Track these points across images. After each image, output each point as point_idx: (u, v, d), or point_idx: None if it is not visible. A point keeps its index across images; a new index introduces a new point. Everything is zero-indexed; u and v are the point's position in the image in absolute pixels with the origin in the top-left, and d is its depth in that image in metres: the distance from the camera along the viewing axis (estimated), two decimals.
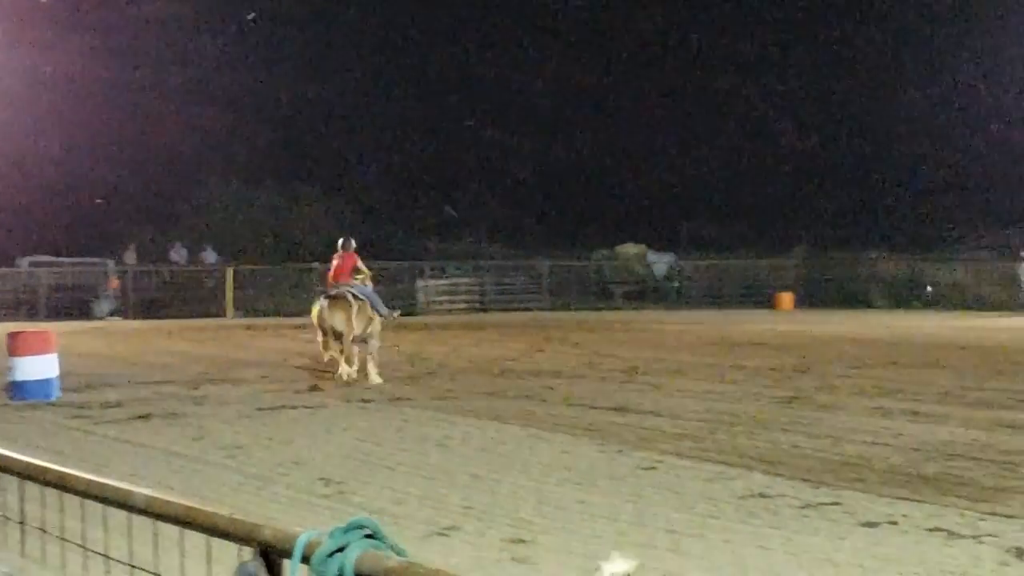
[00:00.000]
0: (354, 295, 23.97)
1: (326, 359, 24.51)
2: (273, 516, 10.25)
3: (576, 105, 77.29)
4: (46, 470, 4.18)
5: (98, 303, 46.88)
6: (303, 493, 12.14)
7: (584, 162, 72.50)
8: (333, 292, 24.17)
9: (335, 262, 25.27)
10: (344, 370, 23.40)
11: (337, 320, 23.63)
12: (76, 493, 4.00)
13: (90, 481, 3.87)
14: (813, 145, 74.50)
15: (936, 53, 71.01)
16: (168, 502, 3.57)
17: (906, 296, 51.47)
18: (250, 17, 64.09)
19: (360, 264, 25.28)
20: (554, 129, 74.77)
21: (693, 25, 78.87)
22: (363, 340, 23.85)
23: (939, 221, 62.92)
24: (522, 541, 9.97)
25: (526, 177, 72.49)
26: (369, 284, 25.25)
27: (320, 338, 24.22)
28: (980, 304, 48.28)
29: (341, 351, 23.64)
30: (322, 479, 12.78)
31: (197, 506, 3.49)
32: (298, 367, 25.93)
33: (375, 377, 23.00)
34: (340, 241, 25.67)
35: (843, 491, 11.91)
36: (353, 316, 23.56)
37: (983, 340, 32.51)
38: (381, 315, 24.68)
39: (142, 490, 3.65)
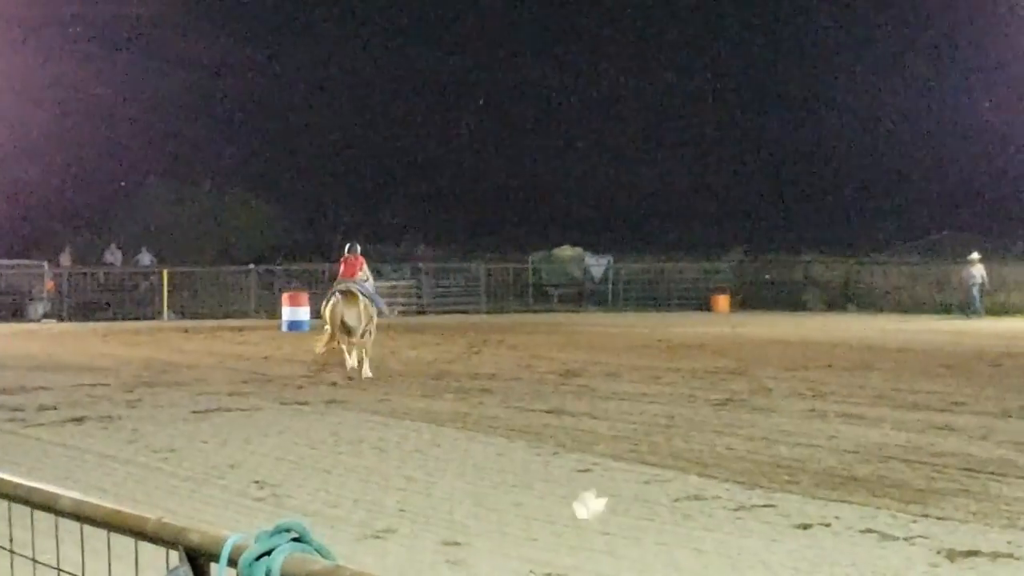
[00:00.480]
0: (361, 292, 25.18)
1: (320, 350, 25.52)
2: (207, 519, 10.20)
3: (514, 109, 77.37)
4: None
5: (33, 305, 46.50)
6: (237, 496, 12.09)
7: (522, 165, 72.59)
8: (343, 287, 25.26)
9: (342, 266, 26.49)
10: (351, 362, 24.50)
11: (351, 315, 24.58)
12: (3, 496, 3.96)
13: (17, 484, 3.84)
14: (749, 149, 74.94)
15: (872, 59, 71.54)
16: (96, 505, 3.54)
17: (840, 299, 51.82)
18: None
19: (365, 268, 26.49)
20: (492, 132, 74.83)
21: (629, 30, 79.14)
22: (361, 335, 24.77)
23: (873, 225, 63.40)
24: (457, 544, 9.97)
25: (464, 179, 72.49)
26: (370, 283, 26.69)
27: (328, 332, 25.07)
28: (913, 306, 48.69)
29: (347, 344, 24.74)
30: (256, 482, 12.72)
31: (125, 509, 3.46)
32: (233, 369, 25.81)
33: (367, 371, 23.96)
34: (347, 246, 26.82)
35: (777, 493, 11.97)
36: (362, 312, 24.68)
37: (916, 343, 32.78)
38: (382, 313, 26.63)
39: (69, 493, 3.62)
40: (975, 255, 46.55)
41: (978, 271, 46.11)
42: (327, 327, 25.23)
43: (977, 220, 58.63)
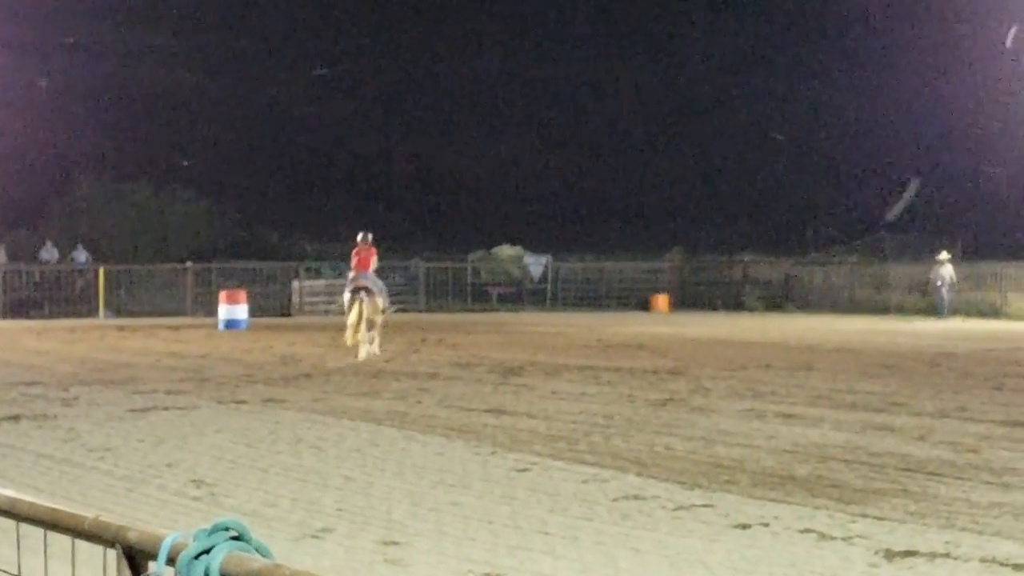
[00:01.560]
0: (377, 291, 28.72)
1: (352, 343, 28.26)
2: (143, 518, 10.11)
3: (454, 107, 77.36)
4: None
5: None
6: (174, 495, 12.00)
7: (461, 164, 72.57)
8: (363, 283, 28.55)
9: (357, 256, 29.25)
10: (367, 349, 27.76)
11: (372, 309, 28.13)
12: None
13: None
14: (688, 149, 75.24)
15: (811, 58, 71.96)
16: (33, 504, 3.50)
17: (779, 299, 52.10)
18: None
19: (375, 257, 29.53)
20: (432, 131, 74.78)
21: (575, 26, 79.29)
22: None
23: (811, 225, 63.77)
24: (395, 543, 9.93)
25: (403, 177, 72.42)
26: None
27: (353, 324, 28.39)
28: (852, 307, 49.00)
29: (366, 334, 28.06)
30: (194, 481, 12.64)
31: (61, 508, 3.42)
32: (170, 368, 25.66)
33: (376, 350, 27.97)
34: (359, 236, 29.55)
35: (716, 493, 11.99)
36: (378, 307, 28.35)
37: (855, 343, 32.99)
38: (386, 307, 29.69)
39: (6, 491, 3.57)
40: (944, 255, 46.66)
41: (947, 271, 46.23)
42: (350, 319, 28.57)
43: (915, 221, 59.12)
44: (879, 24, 67.19)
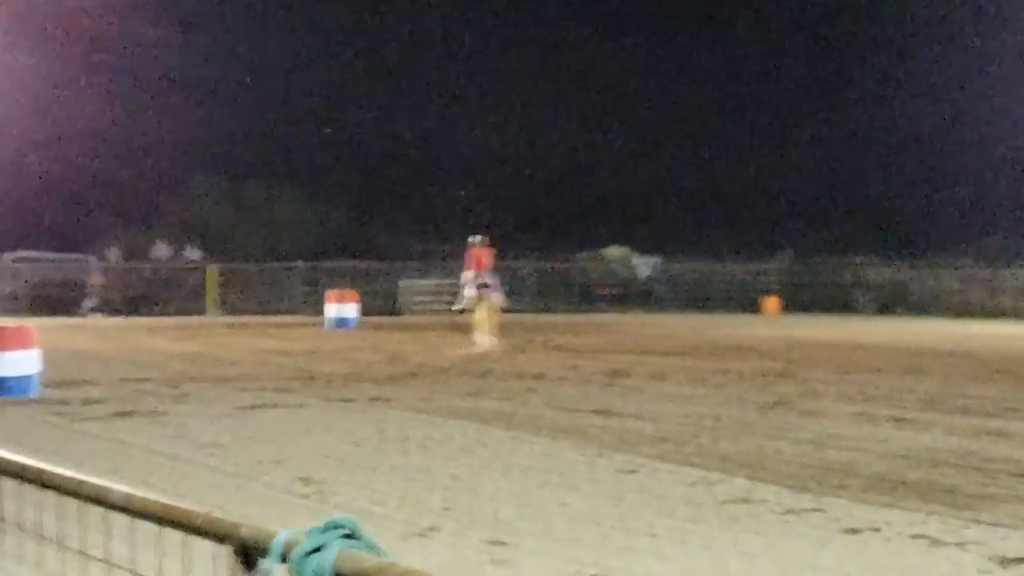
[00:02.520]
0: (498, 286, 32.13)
1: (487, 338, 31.06)
2: (252, 515, 10.17)
3: (565, 107, 77.36)
4: (23, 467, 4.13)
5: (81, 299, 46.77)
6: (282, 492, 12.07)
7: (570, 164, 72.57)
8: (486, 281, 31.59)
9: (475, 257, 31.97)
10: (489, 340, 30.79)
11: (495, 304, 31.70)
12: (53, 490, 3.94)
13: (67, 478, 3.82)
14: (800, 151, 74.68)
15: (931, 59, 71.16)
16: (146, 500, 3.52)
17: (891, 302, 51.57)
18: None
19: (492, 257, 32.41)
20: (541, 131, 74.82)
21: (686, 27, 78.95)
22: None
23: (925, 227, 63.09)
24: (502, 543, 9.92)
25: (512, 178, 72.52)
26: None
27: (482, 319, 31.49)
28: (965, 310, 48.41)
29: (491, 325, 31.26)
30: (302, 478, 12.71)
31: (175, 504, 3.44)
32: (279, 366, 25.87)
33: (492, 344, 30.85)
34: (476, 238, 32.31)
35: (825, 497, 11.86)
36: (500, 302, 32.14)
37: (968, 347, 32.56)
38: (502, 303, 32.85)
39: (120, 487, 3.60)
40: None
41: None
42: (480, 314, 31.54)
43: None
44: (1004, 22, 66.21)
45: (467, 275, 32.44)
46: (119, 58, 62.58)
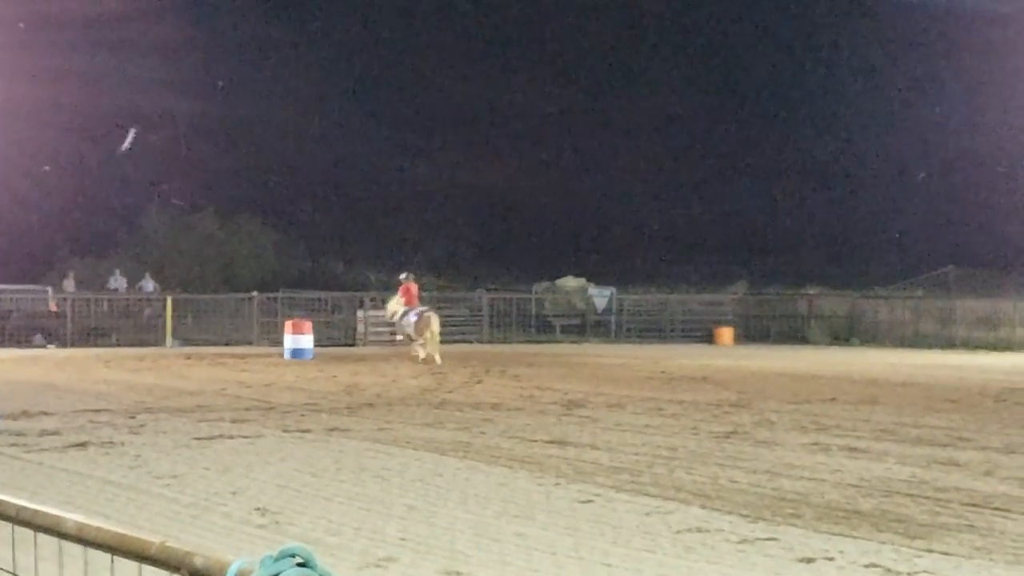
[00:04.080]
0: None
1: (423, 356, 35.63)
2: (208, 545, 10.15)
3: (519, 139, 77.52)
4: None
5: (36, 331, 46.55)
6: (239, 523, 12.06)
7: (525, 196, 72.65)
8: (424, 310, 36.80)
9: (406, 293, 37.52)
10: (432, 356, 35.49)
11: (436, 323, 36.37)
12: (6, 519, 3.95)
13: (21, 507, 3.83)
14: (754, 182, 75.05)
15: (877, 95, 71.68)
16: (100, 529, 3.53)
17: (844, 333, 51.80)
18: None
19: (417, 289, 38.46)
20: (497, 162, 74.93)
21: (637, 59, 79.30)
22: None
23: (876, 259, 63.46)
24: (458, 573, 9.94)
25: (468, 210, 72.58)
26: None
27: (420, 342, 36.21)
28: (918, 341, 48.68)
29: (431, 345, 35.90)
30: (258, 509, 12.70)
31: (129, 533, 3.45)
32: (236, 396, 25.80)
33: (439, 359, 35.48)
34: (404, 275, 38.41)
35: (780, 526, 11.93)
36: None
37: (920, 377, 32.74)
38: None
39: (73, 516, 3.61)
40: None
41: None
42: (418, 337, 36.20)
43: (982, 255, 58.68)
44: (953, 55, 66.79)
45: (393, 306, 37.96)
46: (74, 90, 62.35)
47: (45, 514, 3.68)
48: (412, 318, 36.57)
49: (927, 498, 13.53)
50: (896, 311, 52.25)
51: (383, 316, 50.44)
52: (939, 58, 67.01)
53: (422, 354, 35.93)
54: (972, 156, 65.50)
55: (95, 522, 3.65)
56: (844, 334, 51.76)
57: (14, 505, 3.91)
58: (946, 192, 66.38)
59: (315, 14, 76.30)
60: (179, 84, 66.54)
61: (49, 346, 45.26)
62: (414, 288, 38.16)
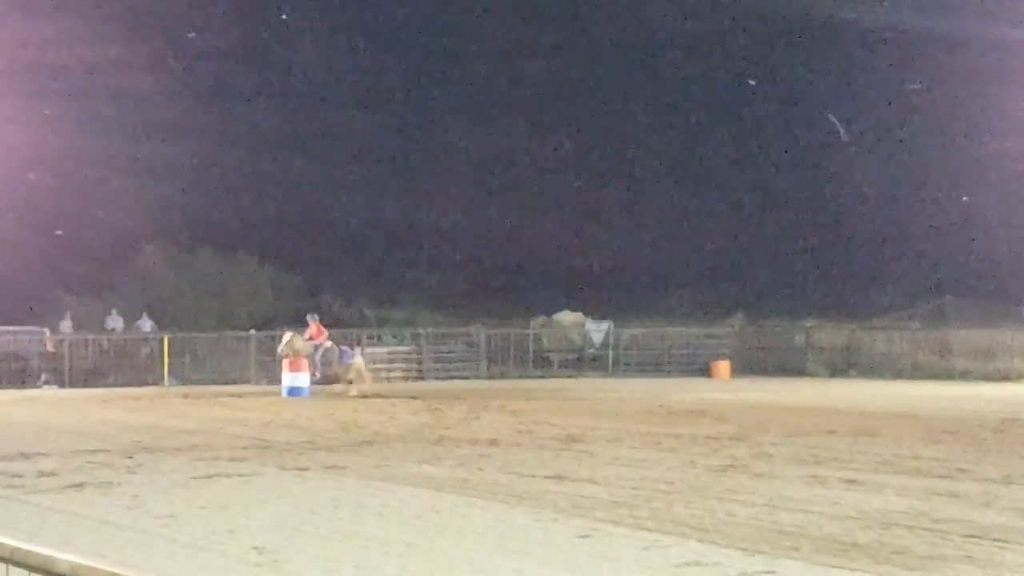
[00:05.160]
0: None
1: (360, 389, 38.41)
2: None
3: (513, 173, 77.62)
4: None
5: (33, 372, 46.56)
6: (236, 562, 12.05)
7: (522, 230, 72.69)
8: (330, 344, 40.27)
9: (318, 329, 40.42)
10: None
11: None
12: (1, 560, 3.95)
13: (14, 547, 3.83)
14: (749, 215, 75.15)
15: (873, 125, 71.82)
16: (94, 569, 3.54)
17: (842, 365, 51.76)
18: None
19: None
20: (491, 197, 75.04)
21: (627, 96, 79.51)
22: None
23: (874, 291, 63.47)
24: None
25: (463, 245, 72.64)
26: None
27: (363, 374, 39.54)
28: (916, 373, 48.64)
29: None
30: (255, 548, 12.68)
31: (123, 573, 3.46)
32: (233, 435, 25.78)
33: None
34: (312, 315, 41.38)
35: (778, 560, 11.92)
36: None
37: (919, 409, 32.72)
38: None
39: (66, 556, 3.62)
40: None
41: None
42: (361, 372, 39.70)
43: (979, 285, 58.68)
44: (950, 79, 66.89)
45: (310, 345, 39.70)
46: (68, 129, 62.47)
47: (38, 554, 3.69)
48: (359, 357, 40.43)
49: (926, 530, 13.52)
50: (894, 342, 52.21)
51: (379, 353, 50.57)
52: (935, 84, 67.10)
53: (354, 391, 38.60)
54: (969, 185, 65.57)
55: (89, 562, 3.65)
56: (842, 366, 51.72)
57: (9, 546, 3.91)
58: (943, 223, 66.42)
59: (309, 53, 76.41)
60: (174, 126, 66.63)
61: (46, 387, 45.22)
62: (320, 328, 40.80)
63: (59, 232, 60.44)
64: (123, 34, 65.09)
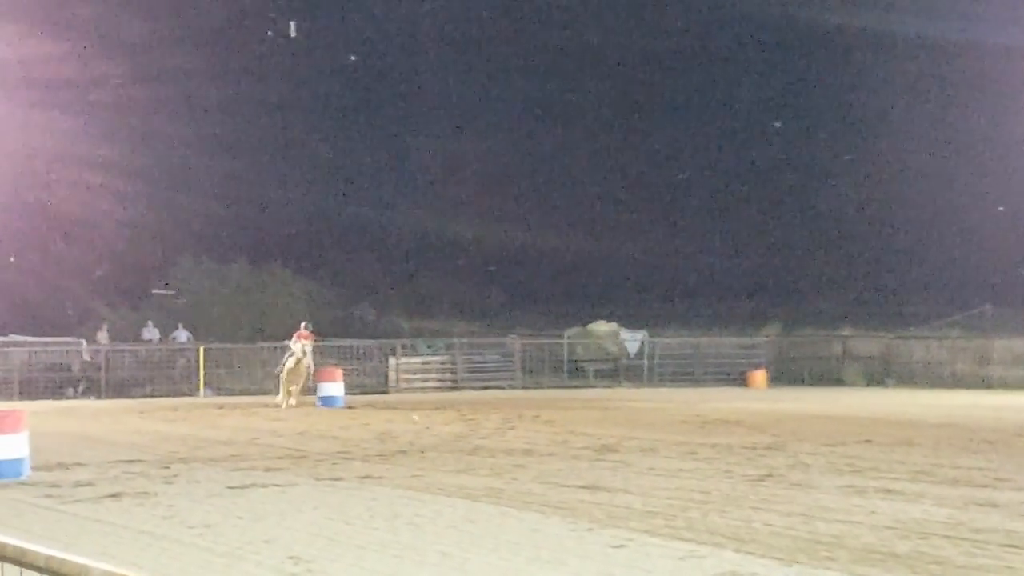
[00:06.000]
0: None
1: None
2: None
3: (549, 183, 77.64)
4: (4, 545, 4.14)
5: (70, 383, 46.77)
6: (272, 572, 12.06)
7: (557, 240, 72.64)
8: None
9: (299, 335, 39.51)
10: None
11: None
12: (35, 569, 3.95)
13: (49, 556, 3.83)
14: (785, 223, 74.92)
15: (910, 134, 71.50)
16: None
17: (879, 374, 51.52)
18: None
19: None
20: (527, 206, 75.03)
21: (664, 104, 79.39)
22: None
23: (912, 299, 63.15)
24: None
25: (499, 255, 72.65)
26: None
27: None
28: (954, 382, 48.38)
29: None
30: (291, 557, 12.69)
31: None
32: (269, 445, 25.82)
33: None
34: (307, 324, 40.71)
35: (816, 570, 11.86)
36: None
37: (957, 417, 32.54)
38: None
39: (100, 565, 3.61)
40: None
41: None
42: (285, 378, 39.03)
43: (1018, 294, 58.33)
44: (988, 87, 66.53)
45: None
46: (106, 140, 62.79)
47: (72, 563, 3.69)
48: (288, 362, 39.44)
49: (964, 540, 13.43)
50: (932, 351, 51.92)
51: (415, 363, 50.63)
52: (971, 93, 66.83)
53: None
54: (1007, 194, 65.22)
55: (125, 571, 3.65)
56: (879, 375, 51.47)
57: (43, 555, 3.91)
58: (981, 230, 66.07)
59: (342, 61, 76.61)
60: (210, 138, 66.94)
61: (83, 398, 45.43)
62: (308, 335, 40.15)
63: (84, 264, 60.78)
64: (161, 45, 65.45)
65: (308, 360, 39.04)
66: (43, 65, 57.78)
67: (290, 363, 38.79)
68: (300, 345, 38.93)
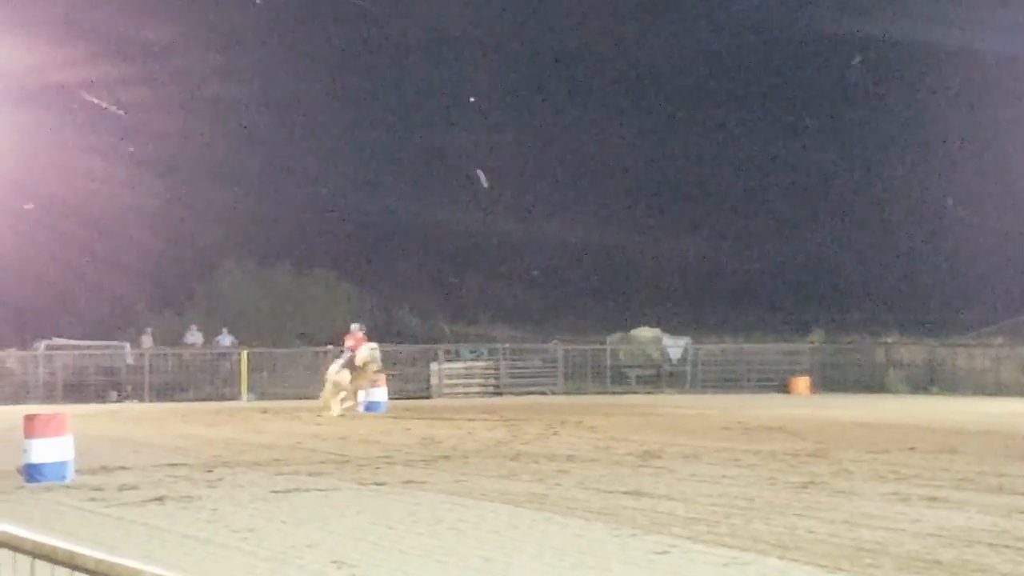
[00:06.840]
0: None
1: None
2: None
3: (592, 189, 77.59)
4: (55, 549, 4.17)
5: (115, 386, 47.03)
6: None
7: (599, 246, 72.63)
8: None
9: (356, 338, 38.30)
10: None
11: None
12: (86, 572, 3.98)
13: (99, 560, 3.86)
14: (831, 230, 74.68)
15: (955, 139, 71.19)
16: None
17: (923, 381, 51.26)
18: None
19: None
20: (569, 213, 75.01)
21: (712, 112, 79.24)
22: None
23: (956, 306, 62.83)
24: None
25: (543, 261, 72.66)
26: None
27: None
28: (998, 389, 48.10)
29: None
30: (335, 562, 12.73)
31: None
32: (312, 450, 25.89)
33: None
34: (358, 325, 39.48)
35: None
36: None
37: (1001, 425, 32.35)
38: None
39: (151, 568, 3.64)
40: None
41: None
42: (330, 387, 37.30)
43: None
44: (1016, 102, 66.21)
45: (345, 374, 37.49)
46: (149, 147, 63.20)
47: (123, 566, 3.71)
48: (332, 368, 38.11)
49: (1008, 548, 13.37)
50: (976, 359, 51.61)
51: (457, 368, 50.68)
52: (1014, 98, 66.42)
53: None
54: None
55: (172, 574, 3.68)
56: (923, 383, 51.21)
57: (93, 558, 3.94)
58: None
59: (388, 65, 76.87)
60: (255, 140, 67.23)
61: (128, 402, 45.67)
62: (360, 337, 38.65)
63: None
64: (203, 45, 65.78)
65: (376, 365, 37.77)
66: (81, 67, 58.08)
67: (341, 370, 37.22)
68: (369, 350, 37.54)
